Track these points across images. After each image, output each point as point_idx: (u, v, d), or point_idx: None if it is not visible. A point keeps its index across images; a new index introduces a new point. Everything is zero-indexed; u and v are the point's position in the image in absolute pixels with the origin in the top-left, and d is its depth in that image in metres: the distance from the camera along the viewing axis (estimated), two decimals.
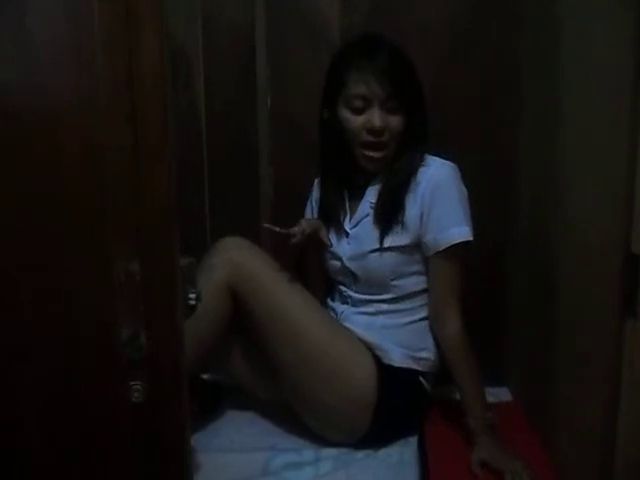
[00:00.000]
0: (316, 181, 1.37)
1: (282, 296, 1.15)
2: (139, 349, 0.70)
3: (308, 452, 1.16)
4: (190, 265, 0.78)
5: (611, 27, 0.81)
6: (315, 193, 1.36)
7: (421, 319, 1.23)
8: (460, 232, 1.15)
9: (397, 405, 1.16)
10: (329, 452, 1.15)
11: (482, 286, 1.39)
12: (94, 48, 0.65)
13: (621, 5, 0.76)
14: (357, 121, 1.17)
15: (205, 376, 1.40)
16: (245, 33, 1.40)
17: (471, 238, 1.15)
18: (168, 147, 0.68)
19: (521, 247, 1.33)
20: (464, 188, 1.19)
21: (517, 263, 1.37)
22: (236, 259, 1.15)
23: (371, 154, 1.19)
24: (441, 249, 1.15)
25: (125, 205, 0.68)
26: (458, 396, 1.18)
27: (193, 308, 0.79)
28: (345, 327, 1.21)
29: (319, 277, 1.34)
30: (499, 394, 1.36)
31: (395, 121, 1.17)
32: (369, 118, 1.16)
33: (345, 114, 1.19)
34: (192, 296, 0.78)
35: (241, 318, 1.18)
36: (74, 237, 0.68)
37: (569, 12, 1.02)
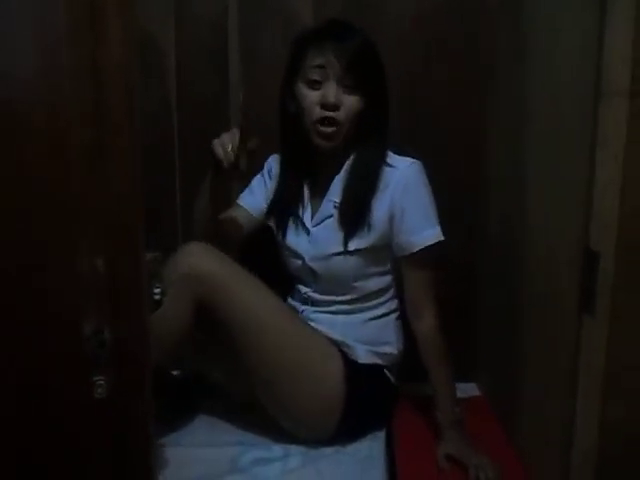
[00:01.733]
0: (273, 156, 1.31)
1: (246, 299, 1.12)
2: (103, 344, 0.69)
3: (277, 448, 1.16)
4: (155, 260, 0.77)
5: (576, 28, 0.82)
6: (274, 169, 1.30)
7: (380, 316, 1.24)
8: (433, 234, 1.15)
9: (365, 400, 1.17)
10: (298, 448, 1.16)
11: (453, 288, 1.40)
12: (58, 38, 0.63)
13: (586, 5, 0.77)
14: (312, 96, 1.14)
15: (175, 372, 1.39)
16: (218, 27, 1.39)
17: (443, 238, 1.16)
18: (133, 139, 0.67)
19: (490, 250, 1.35)
20: (429, 185, 1.18)
21: (487, 265, 1.39)
22: (196, 269, 1.10)
23: (323, 129, 1.14)
24: (415, 250, 1.16)
25: (90, 199, 0.67)
26: (427, 392, 1.19)
27: (158, 303, 0.79)
28: (311, 326, 1.21)
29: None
30: (467, 389, 1.38)
31: (351, 101, 1.13)
32: (324, 93, 1.13)
33: (302, 90, 1.15)
34: (157, 291, 0.77)
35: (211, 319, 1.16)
36: (37, 231, 0.67)
37: (538, 10, 1.04)
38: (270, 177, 1.31)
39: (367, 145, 1.18)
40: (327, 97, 1.12)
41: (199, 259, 1.12)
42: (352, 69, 1.11)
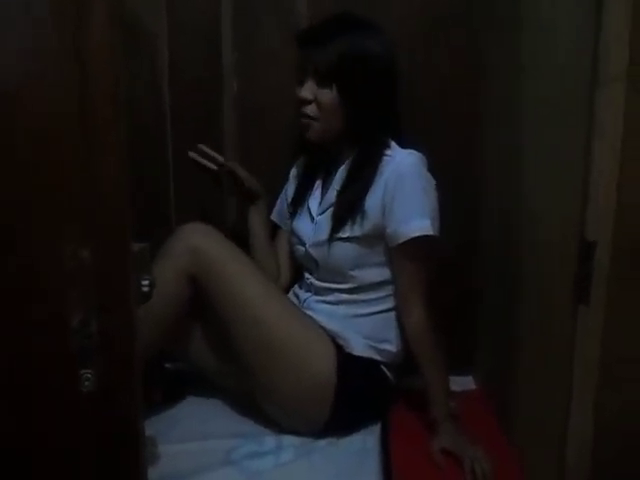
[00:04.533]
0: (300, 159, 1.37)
1: (242, 283, 1.13)
2: (89, 336, 0.68)
3: (270, 440, 1.15)
4: (143, 251, 0.75)
5: (572, 12, 0.80)
6: (295, 169, 1.37)
7: (382, 311, 1.22)
8: (421, 225, 1.12)
9: (358, 393, 1.16)
10: (291, 440, 1.15)
11: (450, 282, 1.38)
12: (40, 22, 0.62)
13: (580, 8, 0.75)
14: (296, 92, 1.20)
15: (168, 365, 1.38)
16: (211, 14, 1.37)
17: (431, 232, 1.12)
18: (119, 126, 0.65)
19: (489, 243, 1.34)
20: (431, 179, 1.16)
21: (484, 258, 1.37)
22: (197, 246, 1.13)
23: (303, 121, 1.20)
24: (401, 242, 1.13)
25: (75, 187, 0.65)
26: (423, 385, 1.18)
27: (147, 295, 0.77)
28: (306, 315, 1.20)
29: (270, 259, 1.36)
30: (464, 383, 1.37)
31: (324, 95, 1.16)
32: (301, 87, 1.19)
33: (295, 88, 1.21)
34: (145, 283, 0.76)
35: (204, 305, 1.17)
36: (22, 220, 0.65)
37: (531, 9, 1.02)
38: (291, 179, 1.37)
39: (369, 138, 1.19)
40: (299, 91, 1.19)
41: (198, 236, 1.15)
42: (322, 66, 1.15)
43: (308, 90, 1.17)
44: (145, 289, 0.76)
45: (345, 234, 1.18)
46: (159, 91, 1.40)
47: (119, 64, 0.64)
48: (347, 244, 1.18)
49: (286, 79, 1.28)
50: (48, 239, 0.66)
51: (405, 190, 1.13)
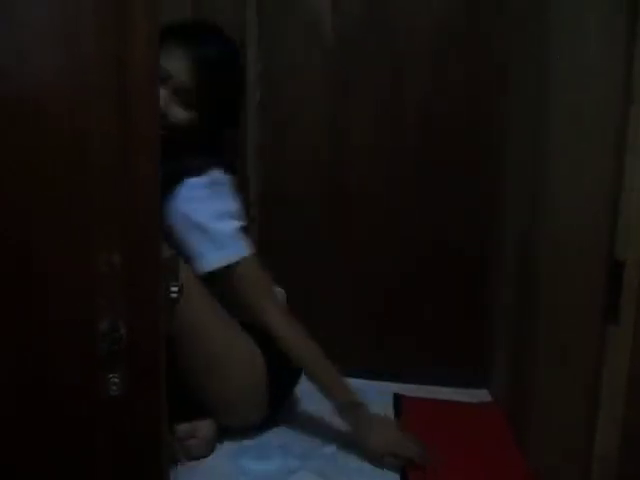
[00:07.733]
0: None
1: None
2: (118, 341, 0.69)
3: (277, 446, 1.14)
4: (172, 258, 0.77)
5: (602, 35, 0.81)
6: None
7: None
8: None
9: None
10: (298, 448, 1.13)
11: (466, 292, 1.39)
12: (83, 33, 0.63)
13: (612, 9, 0.75)
14: None
15: None
16: (236, 26, 1.38)
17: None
18: (156, 137, 0.67)
19: (506, 255, 1.33)
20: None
21: (501, 271, 1.37)
22: None
23: None
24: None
25: (109, 196, 0.66)
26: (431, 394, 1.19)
27: (175, 301, 0.78)
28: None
29: None
30: (479, 395, 1.37)
31: (174, 110, 1.09)
32: None
33: None
34: (174, 289, 0.77)
35: None
36: (56, 226, 0.67)
37: (559, 15, 1.02)
38: None
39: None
40: None
41: None
42: (170, 77, 1.10)
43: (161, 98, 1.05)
44: (173, 295, 0.78)
45: None
46: None
47: (157, 77, 0.66)
48: None
49: (308, 91, 1.28)
50: (81, 246, 0.67)
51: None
